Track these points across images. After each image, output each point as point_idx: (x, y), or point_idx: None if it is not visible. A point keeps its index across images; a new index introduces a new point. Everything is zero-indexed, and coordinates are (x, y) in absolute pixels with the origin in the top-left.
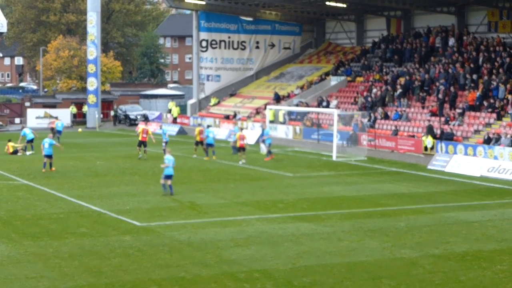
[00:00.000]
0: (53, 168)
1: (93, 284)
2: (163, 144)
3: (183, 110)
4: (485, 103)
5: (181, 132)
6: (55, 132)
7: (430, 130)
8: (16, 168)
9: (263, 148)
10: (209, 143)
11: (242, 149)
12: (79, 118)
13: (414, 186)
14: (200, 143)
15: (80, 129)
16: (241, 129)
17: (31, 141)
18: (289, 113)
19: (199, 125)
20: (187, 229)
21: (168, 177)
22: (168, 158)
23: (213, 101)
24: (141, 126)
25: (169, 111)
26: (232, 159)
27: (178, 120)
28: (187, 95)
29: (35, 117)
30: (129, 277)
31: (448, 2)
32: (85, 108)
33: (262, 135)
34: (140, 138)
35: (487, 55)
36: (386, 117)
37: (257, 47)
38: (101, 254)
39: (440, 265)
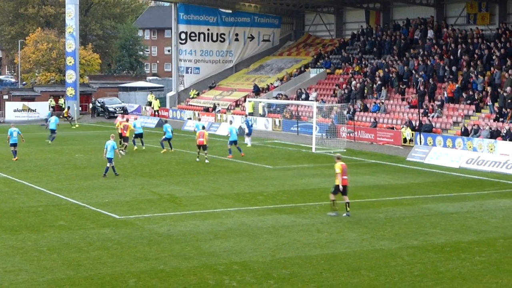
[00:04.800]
0: (17, 157)
1: (72, 277)
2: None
3: (162, 102)
4: (464, 95)
5: (160, 124)
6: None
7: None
8: None
9: (248, 142)
10: (168, 138)
11: (202, 146)
12: (57, 111)
13: (393, 178)
14: (126, 138)
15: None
16: (203, 127)
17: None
18: (269, 106)
19: (127, 120)
20: (166, 222)
21: (109, 160)
22: (108, 143)
23: (192, 93)
24: (197, 131)
25: (149, 103)
26: (212, 152)
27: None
28: (166, 88)
29: (13, 110)
30: (108, 270)
31: None
32: (61, 101)
33: (247, 126)
34: (197, 143)
35: (466, 47)
36: (365, 109)
37: (237, 40)
38: (80, 247)
39: (419, 257)
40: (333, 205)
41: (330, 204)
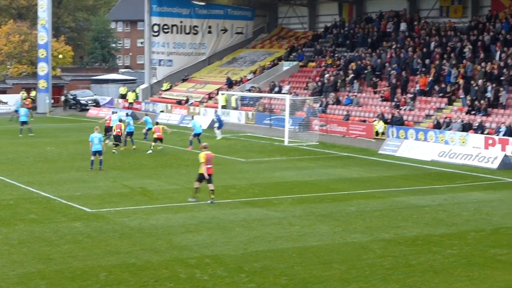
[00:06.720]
0: None
1: (42, 271)
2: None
3: (137, 95)
4: (437, 88)
5: (133, 117)
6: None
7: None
8: None
9: (216, 134)
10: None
11: (160, 140)
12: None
13: (365, 171)
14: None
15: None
16: (157, 123)
17: None
18: (242, 98)
19: (120, 120)
20: (138, 215)
21: (96, 153)
22: (94, 135)
23: (165, 86)
24: (144, 121)
25: (121, 96)
26: (184, 145)
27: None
28: (139, 80)
29: None
30: (78, 264)
31: None
32: (33, 93)
33: (218, 121)
34: (155, 136)
35: (439, 40)
36: (337, 102)
37: (210, 32)
38: (51, 241)
39: (391, 250)
40: (195, 192)
41: (193, 190)
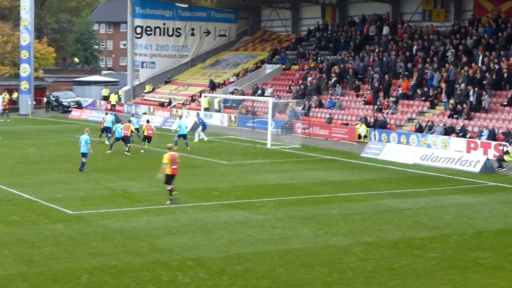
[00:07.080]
0: None
1: (24, 273)
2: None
3: (120, 97)
4: (419, 92)
5: (115, 119)
6: None
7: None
8: None
9: (201, 136)
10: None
11: (147, 138)
12: (11, 105)
13: (347, 174)
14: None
15: None
16: (148, 121)
17: None
18: (225, 101)
19: (129, 121)
20: (119, 218)
21: (83, 155)
22: (82, 137)
23: (147, 88)
24: (144, 124)
25: (104, 98)
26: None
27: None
28: (121, 82)
29: None
30: (60, 266)
31: None
32: (15, 95)
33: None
34: (145, 133)
35: (421, 43)
36: (320, 105)
37: (193, 34)
38: (32, 243)
39: (372, 253)
40: (170, 194)
41: (167, 193)
